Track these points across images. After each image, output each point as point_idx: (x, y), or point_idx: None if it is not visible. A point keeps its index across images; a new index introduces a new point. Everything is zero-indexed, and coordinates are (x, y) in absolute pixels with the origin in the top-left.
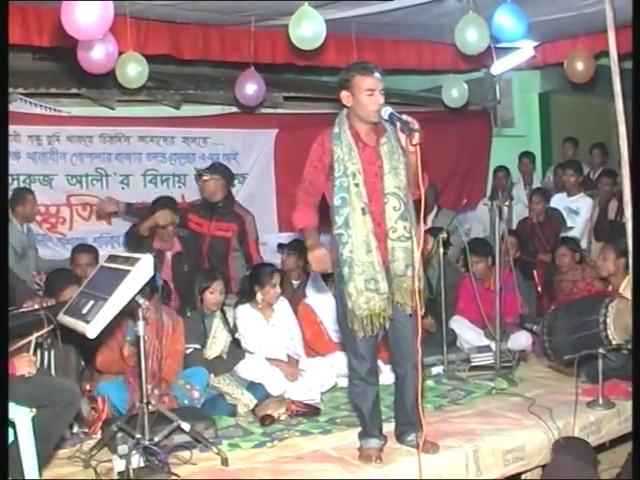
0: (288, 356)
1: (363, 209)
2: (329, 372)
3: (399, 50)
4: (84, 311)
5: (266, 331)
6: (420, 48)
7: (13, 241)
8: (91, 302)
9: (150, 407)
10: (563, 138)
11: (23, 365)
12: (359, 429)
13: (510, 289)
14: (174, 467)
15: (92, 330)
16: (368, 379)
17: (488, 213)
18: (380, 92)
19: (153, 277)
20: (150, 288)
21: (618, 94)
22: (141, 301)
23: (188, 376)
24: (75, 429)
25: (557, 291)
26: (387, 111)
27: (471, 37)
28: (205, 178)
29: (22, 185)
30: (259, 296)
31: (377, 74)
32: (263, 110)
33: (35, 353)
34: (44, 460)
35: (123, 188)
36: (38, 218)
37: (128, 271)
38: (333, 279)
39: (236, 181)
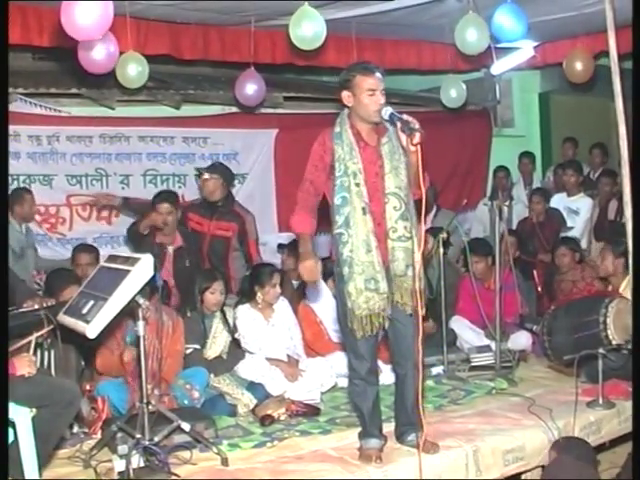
0: (288, 356)
1: (364, 209)
2: (329, 372)
3: (399, 50)
4: (84, 311)
5: (266, 331)
6: (420, 48)
7: (11, 241)
8: (91, 302)
9: (150, 407)
10: (563, 138)
11: (23, 365)
12: (359, 429)
13: (510, 289)
14: (174, 467)
15: (92, 330)
16: (368, 379)
17: (488, 213)
18: (381, 92)
19: (153, 277)
20: (150, 288)
21: (618, 94)
22: (141, 301)
23: (188, 376)
24: (75, 429)
25: (557, 291)
26: (387, 111)
27: (471, 37)
28: (205, 177)
29: (22, 185)
30: (259, 296)
31: (378, 74)
32: (263, 110)
33: (35, 353)
34: (44, 460)
35: (123, 188)
36: (38, 218)
37: (128, 271)
38: (333, 279)
39: (236, 181)
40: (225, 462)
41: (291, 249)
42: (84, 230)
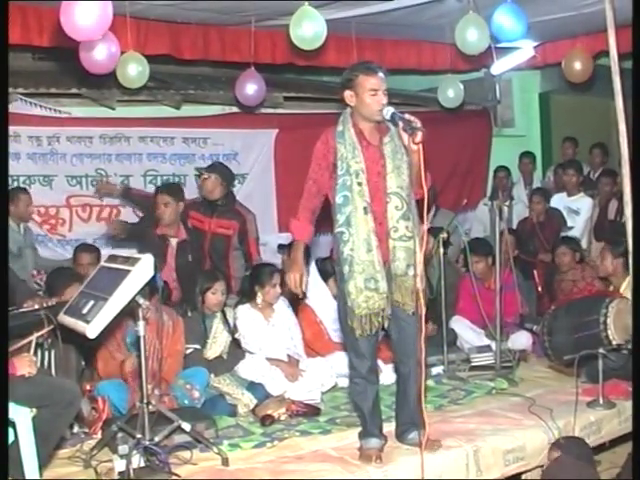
0: (288, 356)
1: (365, 208)
2: (329, 372)
3: (399, 50)
4: (84, 311)
5: (266, 331)
6: (420, 48)
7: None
8: (91, 302)
9: (150, 407)
10: (563, 138)
11: (23, 365)
12: (359, 429)
13: (510, 289)
14: (174, 467)
15: (92, 330)
16: (369, 378)
17: (488, 213)
18: (383, 92)
19: (153, 277)
20: (150, 288)
21: (618, 93)
22: (141, 301)
23: (188, 376)
24: (75, 429)
25: (557, 291)
26: (389, 111)
27: (471, 37)
28: (204, 177)
29: (22, 186)
30: (259, 296)
31: (381, 74)
32: (263, 110)
33: (35, 353)
34: (44, 460)
35: None
36: (38, 219)
37: (128, 271)
38: (334, 279)
39: (236, 181)
40: (225, 462)
41: (291, 250)
42: (83, 231)
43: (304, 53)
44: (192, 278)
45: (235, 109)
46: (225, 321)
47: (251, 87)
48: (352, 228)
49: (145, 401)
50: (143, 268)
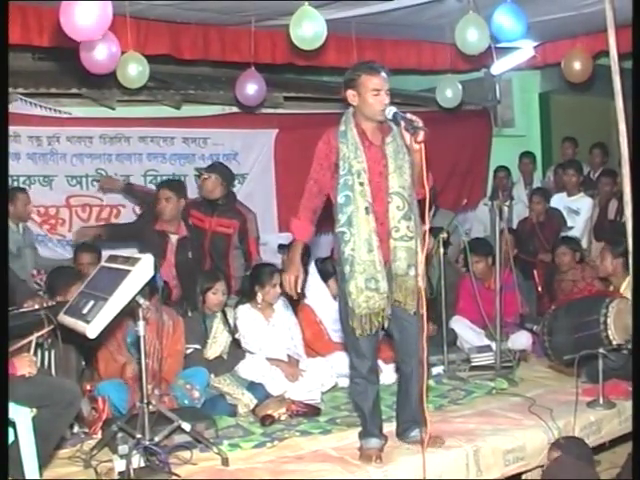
0: (288, 356)
1: (367, 208)
2: (329, 372)
3: (399, 50)
4: (84, 311)
5: (266, 331)
6: (420, 48)
7: None
8: (91, 302)
9: (150, 407)
10: (563, 138)
11: (23, 365)
12: (359, 429)
13: (510, 289)
14: (174, 467)
15: (92, 330)
16: (369, 378)
17: (488, 213)
18: (386, 92)
19: (153, 277)
20: (150, 288)
21: (618, 93)
22: (141, 301)
23: (188, 376)
24: (75, 429)
25: (557, 291)
26: (391, 111)
27: (471, 37)
28: (204, 177)
29: (22, 186)
30: (259, 296)
31: (383, 74)
32: (263, 110)
33: (35, 353)
34: (44, 460)
35: None
36: (37, 219)
37: (128, 271)
38: (335, 278)
39: (236, 181)
40: (225, 462)
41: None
42: None
43: (304, 53)
44: (192, 276)
45: (235, 109)
46: (225, 321)
47: (251, 87)
48: (353, 228)
49: (145, 401)
50: (143, 268)
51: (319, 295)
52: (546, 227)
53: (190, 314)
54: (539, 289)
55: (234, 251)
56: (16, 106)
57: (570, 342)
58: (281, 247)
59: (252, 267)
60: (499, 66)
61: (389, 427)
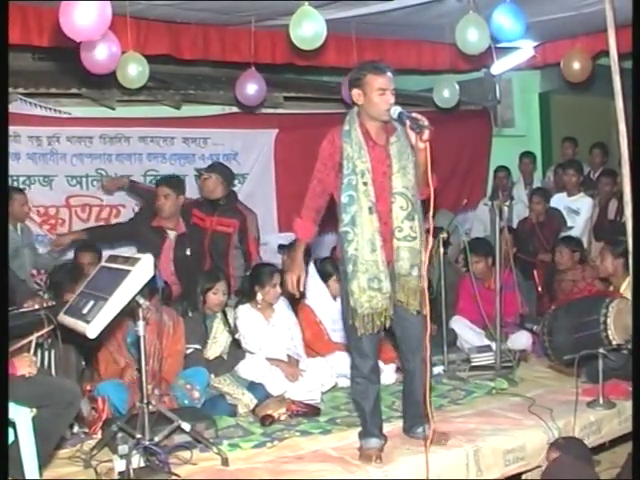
0: (288, 356)
1: (370, 208)
2: (329, 372)
3: (399, 50)
4: (84, 311)
5: (266, 331)
6: (420, 48)
7: None
8: (91, 302)
9: (150, 407)
10: (562, 138)
11: (23, 365)
12: (359, 429)
13: (510, 289)
14: (174, 467)
15: (92, 330)
16: (370, 377)
17: (489, 213)
18: (391, 91)
19: (153, 277)
20: (150, 288)
21: (618, 93)
22: (141, 301)
23: (188, 376)
24: (75, 429)
25: (557, 291)
26: (396, 110)
27: (472, 37)
28: (204, 177)
29: (22, 186)
30: (259, 296)
31: (389, 73)
32: (263, 110)
33: (35, 353)
34: (44, 460)
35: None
36: (37, 219)
37: (128, 271)
38: (337, 278)
39: (236, 181)
40: (225, 462)
41: (292, 250)
42: None
43: (304, 53)
44: (191, 274)
45: (235, 109)
46: (226, 321)
47: (252, 87)
48: (357, 228)
49: (145, 401)
50: (143, 268)
51: (319, 295)
52: (546, 227)
53: (190, 314)
54: (539, 289)
55: (234, 251)
56: (16, 106)
57: (570, 342)
58: (281, 247)
59: (252, 267)
60: (499, 66)
61: (389, 427)
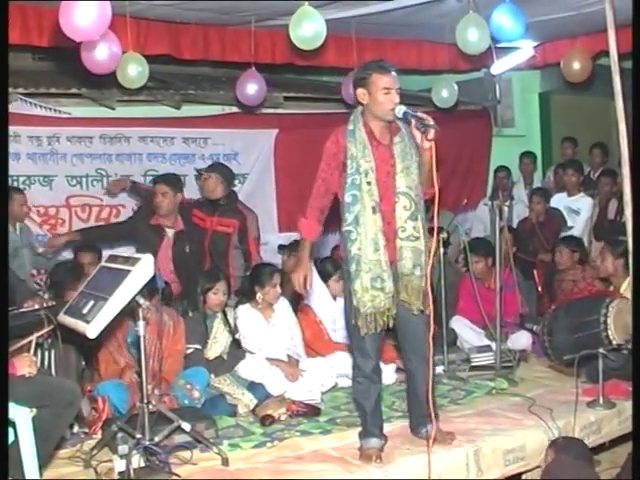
0: (288, 356)
1: (374, 207)
2: (329, 372)
3: (399, 50)
4: (84, 311)
5: (266, 331)
6: (420, 48)
7: None
8: (91, 302)
9: (150, 407)
10: (562, 138)
11: (23, 365)
12: (359, 429)
13: (510, 289)
14: (174, 467)
15: (92, 330)
16: (372, 377)
17: (489, 213)
18: (396, 90)
19: (153, 277)
20: (150, 288)
21: (618, 93)
22: (141, 301)
23: (188, 376)
24: (75, 429)
25: (557, 291)
26: (401, 110)
27: (472, 37)
28: (204, 177)
29: (22, 186)
30: (259, 296)
31: (394, 73)
32: (263, 110)
33: (35, 353)
34: (44, 460)
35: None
36: (37, 219)
37: (129, 271)
38: (339, 277)
39: (236, 181)
40: (225, 462)
41: (292, 250)
42: None
43: (304, 53)
44: (191, 272)
45: (235, 109)
46: (226, 321)
47: (252, 87)
48: (360, 227)
49: (145, 401)
50: (143, 268)
51: (319, 295)
52: (546, 227)
53: (190, 314)
54: (539, 289)
55: (234, 251)
56: (16, 106)
57: (570, 342)
58: (281, 247)
59: (252, 267)
60: (499, 66)
61: (389, 427)
